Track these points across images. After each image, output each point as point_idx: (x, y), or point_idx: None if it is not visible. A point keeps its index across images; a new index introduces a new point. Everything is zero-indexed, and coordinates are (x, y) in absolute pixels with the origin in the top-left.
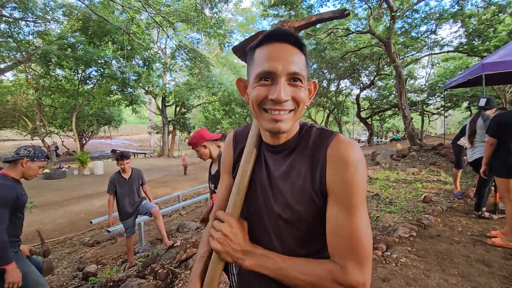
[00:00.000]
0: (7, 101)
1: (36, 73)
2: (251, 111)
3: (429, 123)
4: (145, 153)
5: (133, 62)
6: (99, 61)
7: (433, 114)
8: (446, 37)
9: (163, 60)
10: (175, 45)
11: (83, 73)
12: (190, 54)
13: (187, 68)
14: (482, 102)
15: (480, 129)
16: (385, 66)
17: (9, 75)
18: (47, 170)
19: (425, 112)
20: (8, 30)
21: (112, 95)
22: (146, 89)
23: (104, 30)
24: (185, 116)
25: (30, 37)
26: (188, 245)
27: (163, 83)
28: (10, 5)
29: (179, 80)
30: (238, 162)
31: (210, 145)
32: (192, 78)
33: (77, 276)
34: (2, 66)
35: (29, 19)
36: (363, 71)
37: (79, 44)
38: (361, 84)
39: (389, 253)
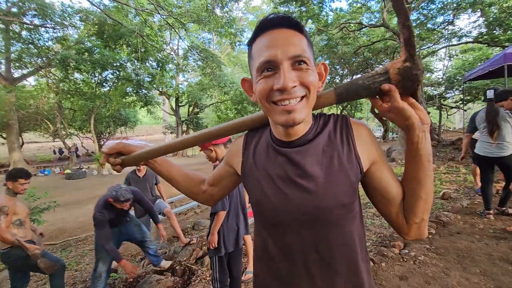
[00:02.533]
0: (30, 105)
1: (56, 78)
2: (262, 109)
3: (447, 117)
4: None
5: (147, 64)
6: (115, 64)
7: (451, 108)
8: (465, 27)
9: (175, 61)
10: (187, 45)
11: (99, 76)
12: (202, 54)
13: (199, 68)
14: (490, 93)
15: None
16: None
17: (31, 80)
18: (68, 171)
19: (442, 106)
20: (29, 37)
21: (127, 97)
22: (160, 90)
23: (119, 33)
24: (198, 115)
25: (50, 43)
26: (204, 242)
27: (176, 83)
28: (30, 12)
29: (192, 80)
30: (246, 164)
31: (217, 148)
32: (204, 78)
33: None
34: (25, 71)
35: (48, 25)
36: (377, 65)
37: (95, 48)
38: None
39: (406, 251)
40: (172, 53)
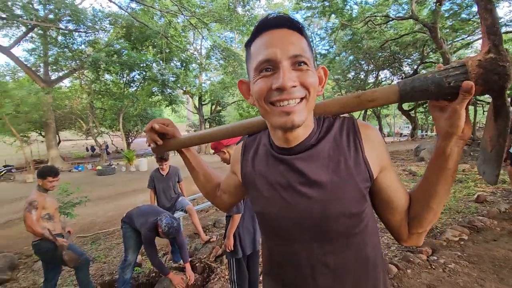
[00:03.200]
0: (65, 105)
1: (88, 79)
2: (260, 111)
3: (483, 113)
4: None
5: (172, 64)
6: (141, 65)
7: (488, 103)
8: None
9: (198, 61)
10: (210, 45)
11: (127, 77)
12: (224, 53)
13: (221, 67)
14: None
15: None
16: (431, 53)
17: (66, 82)
18: (99, 167)
19: (478, 102)
20: (64, 41)
21: (153, 96)
22: (184, 89)
23: (145, 35)
24: (220, 114)
25: (82, 46)
26: (223, 241)
27: (199, 82)
28: (65, 18)
29: (214, 79)
30: (246, 172)
31: (230, 150)
32: (226, 77)
33: None
34: (61, 74)
35: (81, 30)
36: (405, 60)
37: (123, 50)
38: (403, 74)
39: (435, 258)
40: (195, 52)
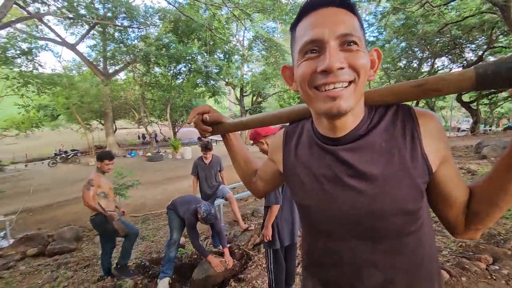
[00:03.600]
0: (120, 96)
1: (140, 72)
2: (302, 97)
3: None
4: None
5: (215, 56)
6: (187, 58)
7: None
8: None
9: (241, 52)
10: (252, 36)
11: (174, 69)
12: (266, 44)
13: (263, 58)
14: None
15: None
16: (501, 36)
17: (121, 75)
18: (149, 154)
19: None
20: (120, 37)
21: (197, 88)
22: (226, 80)
23: (191, 28)
24: (261, 105)
25: (135, 41)
26: (261, 230)
27: (241, 74)
28: (120, 16)
29: (256, 70)
30: (288, 162)
31: (268, 140)
32: (268, 68)
33: None
34: (117, 67)
35: (134, 26)
36: (468, 45)
37: (171, 44)
38: (465, 62)
39: (497, 267)
40: (238, 44)
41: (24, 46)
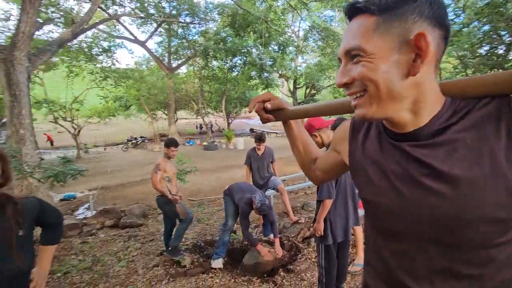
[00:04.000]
0: (181, 89)
1: (199, 66)
2: None
3: None
4: (276, 133)
5: (270, 48)
6: (243, 51)
7: None
8: None
9: (296, 43)
10: (308, 26)
11: (230, 62)
12: (322, 34)
13: (319, 48)
14: None
15: None
16: None
17: (183, 69)
18: (205, 143)
19: None
20: (182, 33)
21: (251, 80)
22: (280, 72)
23: (247, 21)
24: (315, 97)
25: (196, 36)
26: (312, 225)
27: (295, 65)
28: (184, 13)
29: (310, 61)
30: (354, 154)
31: (322, 133)
32: (323, 58)
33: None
34: (179, 62)
35: (195, 22)
36: None
37: (228, 38)
38: None
39: None
40: (293, 35)
41: (105, 44)
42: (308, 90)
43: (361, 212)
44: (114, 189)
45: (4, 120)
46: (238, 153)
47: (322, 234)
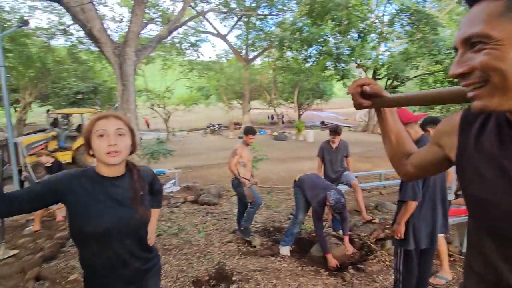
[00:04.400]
0: (256, 79)
1: (274, 57)
2: None
3: None
4: (349, 127)
5: (348, 36)
6: (319, 40)
7: None
8: None
9: (379, 30)
10: (396, 9)
11: (305, 53)
12: (412, 18)
13: (406, 34)
14: None
15: None
16: None
17: (258, 60)
18: (275, 133)
19: None
20: (260, 25)
21: (326, 71)
22: (358, 62)
23: (326, 9)
24: (397, 89)
25: (273, 28)
26: (387, 226)
27: (376, 54)
28: (262, 4)
29: (394, 50)
30: (465, 148)
31: (410, 129)
32: (411, 46)
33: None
34: (255, 53)
35: (273, 13)
36: None
37: (305, 27)
38: None
39: None
40: (377, 21)
41: (193, 39)
42: (389, 82)
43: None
44: (195, 169)
45: (116, 105)
46: (307, 145)
47: (402, 237)
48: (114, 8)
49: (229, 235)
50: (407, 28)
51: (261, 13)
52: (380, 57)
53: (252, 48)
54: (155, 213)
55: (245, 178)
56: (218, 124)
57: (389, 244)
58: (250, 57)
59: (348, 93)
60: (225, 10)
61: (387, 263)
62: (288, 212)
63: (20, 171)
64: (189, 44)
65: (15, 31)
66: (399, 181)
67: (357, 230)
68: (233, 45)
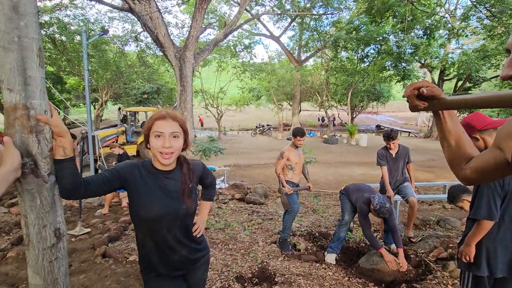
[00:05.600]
0: (308, 81)
1: (327, 57)
2: None
3: None
4: (409, 132)
5: (412, 33)
6: (378, 39)
7: None
8: None
9: (450, 25)
10: (471, 1)
11: (362, 52)
12: (493, 10)
13: (484, 29)
14: None
15: None
16: None
17: (310, 61)
18: (325, 136)
19: None
20: (314, 25)
21: (384, 71)
22: (423, 61)
23: (387, 5)
24: (469, 92)
25: (327, 27)
26: (451, 245)
27: (445, 52)
28: (318, 4)
29: (467, 47)
30: None
31: (487, 136)
32: (489, 42)
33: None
34: (308, 54)
35: (328, 12)
36: None
37: (362, 26)
38: None
39: None
40: (447, 15)
41: (246, 42)
42: (460, 83)
43: None
44: (243, 168)
45: (175, 105)
46: (360, 149)
47: (472, 260)
48: (178, 15)
49: (273, 236)
50: (486, 21)
51: (315, 13)
52: (449, 55)
53: (305, 49)
54: (206, 205)
55: (292, 182)
56: (268, 125)
57: (453, 265)
58: (303, 58)
59: (403, 96)
60: (279, 12)
61: (449, 286)
62: (335, 218)
63: (95, 160)
64: (242, 47)
65: (97, 39)
66: None
67: (413, 246)
68: (285, 46)
